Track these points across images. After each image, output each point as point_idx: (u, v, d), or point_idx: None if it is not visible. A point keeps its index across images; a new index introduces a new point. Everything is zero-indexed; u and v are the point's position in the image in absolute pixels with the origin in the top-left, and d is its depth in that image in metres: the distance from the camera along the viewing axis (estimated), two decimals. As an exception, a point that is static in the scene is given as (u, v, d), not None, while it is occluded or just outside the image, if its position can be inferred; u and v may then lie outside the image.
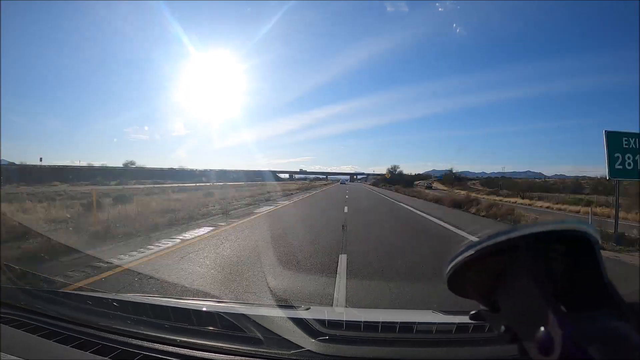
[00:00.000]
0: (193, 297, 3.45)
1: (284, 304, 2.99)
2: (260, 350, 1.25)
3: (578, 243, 0.50)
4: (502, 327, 0.55)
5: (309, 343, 1.27)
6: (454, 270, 0.56)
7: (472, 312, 0.63)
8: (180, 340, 1.29)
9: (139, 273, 4.77)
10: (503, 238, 0.50)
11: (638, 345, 0.42)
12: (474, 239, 0.55)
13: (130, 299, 1.70)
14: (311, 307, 1.84)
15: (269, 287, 4.37)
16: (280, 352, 1.24)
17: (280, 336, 1.31)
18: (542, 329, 0.46)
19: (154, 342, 1.30)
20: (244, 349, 1.25)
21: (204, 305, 1.71)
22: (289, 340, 1.28)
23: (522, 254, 0.51)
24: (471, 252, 0.53)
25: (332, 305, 3.80)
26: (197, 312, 1.50)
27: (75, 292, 1.87)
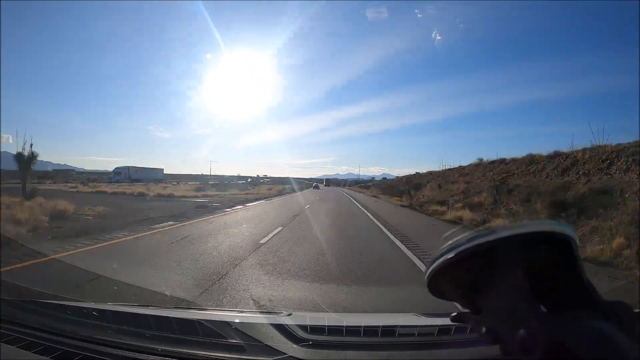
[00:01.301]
0: (174, 305, 3.37)
1: (266, 310, 2.95)
2: (242, 357, 1.24)
3: (557, 244, 0.51)
4: (484, 329, 0.56)
5: (291, 349, 1.26)
6: (434, 273, 0.56)
7: (454, 314, 0.63)
8: (162, 349, 1.26)
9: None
10: (482, 240, 0.51)
11: (621, 345, 0.43)
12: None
13: (110, 308, 1.65)
14: (293, 312, 1.83)
15: (250, 294, 4.31)
16: (262, 358, 1.22)
17: (262, 343, 1.29)
18: (523, 329, 0.47)
19: (135, 352, 1.27)
20: (227, 357, 1.23)
21: (186, 313, 1.67)
22: (272, 347, 1.27)
23: (501, 256, 0.52)
24: (451, 255, 0.53)
25: (314, 311, 3.78)
26: (179, 321, 1.47)
27: (54, 301, 1.79)
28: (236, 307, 3.84)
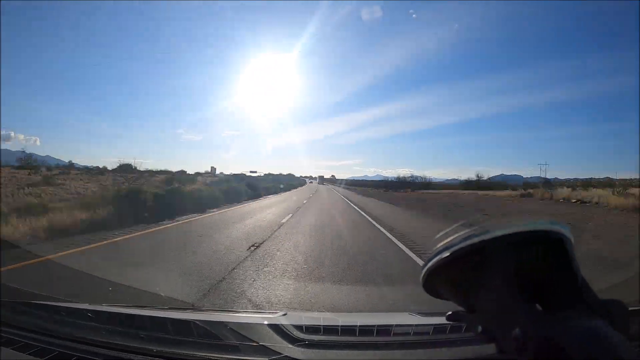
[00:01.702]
0: (169, 306, 3.36)
1: (261, 310, 2.95)
2: (238, 357, 1.23)
3: (552, 243, 0.51)
4: (479, 328, 0.56)
5: (287, 349, 1.26)
6: (430, 272, 0.56)
7: (449, 313, 0.63)
8: (157, 350, 1.25)
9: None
10: (477, 240, 0.50)
11: (615, 344, 0.43)
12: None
13: (104, 309, 1.64)
14: (288, 312, 1.82)
15: (245, 294, 4.30)
16: (258, 358, 1.22)
17: (257, 343, 1.29)
18: (518, 328, 0.47)
19: (129, 353, 1.26)
20: (222, 357, 1.23)
21: (181, 314, 1.66)
22: (267, 347, 1.27)
23: (496, 255, 0.52)
24: (446, 254, 0.53)
25: (309, 310, 3.78)
26: (173, 321, 1.46)
27: (48, 302, 1.78)
28: (232, 307, 3.83)
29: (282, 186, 45.53)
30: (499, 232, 0.50)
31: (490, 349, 0.55)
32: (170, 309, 2.12)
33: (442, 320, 1.36)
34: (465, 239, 0.51)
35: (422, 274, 0.58)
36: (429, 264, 0.56)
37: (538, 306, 0.52)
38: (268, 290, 4.45)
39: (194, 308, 3.21)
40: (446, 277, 0.57)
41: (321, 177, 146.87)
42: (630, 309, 0.51)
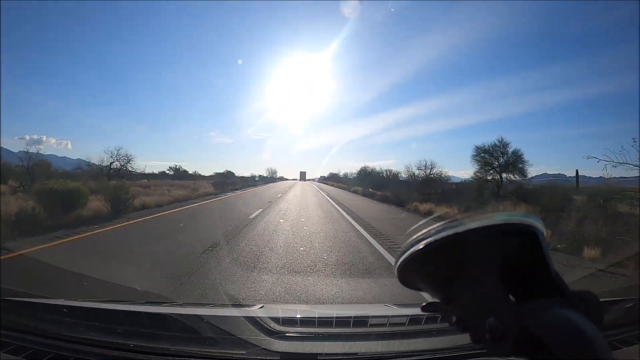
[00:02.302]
0: (146, 300, 3.28)
1: (238, 303, 2.93)
2: (215, 351, 1.22)
3: (524, 235, 0.52)
4: (454, 318, 0.57)
5: (264, 341, 1.25)
6: (404, 263, 0.56)
7: (424, 304, 0.64)
8: (134, 345, 1.23)
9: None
10: (451, 232, 0.51)
11: (588, 332, 0.44)
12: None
13: (80, 305, 1.59)
14: (265, 305, 1.82)
15: (223, 288, 4.26)
16: (235, 352, 1.21)
17: (235, 336, 1.28)
18: (493, 318, 0.48)
19: (106, 349, 1.23)
20: (199, 351, 1.21)
21: (157, 308, 1.63)
22: (244, 340, 1.26)
23: (470, 247, 0.52)
24: (420, 245, 0.53)
25: (285, 303, 3.79)
26: (150, 316, 1.44)
27: (23, 299, 1.71)
28: (209, 300, 3.79)
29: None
30: (472, 225, 0.50)
31: (465, 338, 0.56)
32: (147, 303, 2.08)
33: (417, 311, 1.38)
34: (440, 231, 0.51)
35: (397, 266, 0.58)
36: (404, 256, 0.56)
37: (512, 297, 0.53)
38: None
39: (170, 302, 3.15)
40: (421, 269, 0.58)
41: (303, 174, 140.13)
42: (601, 299, 0.53)
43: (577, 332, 0.44)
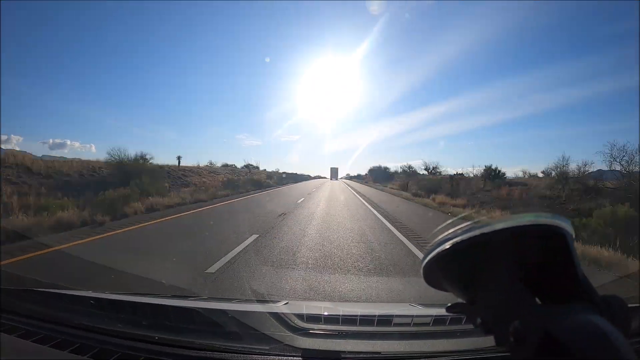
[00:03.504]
0: (171, 294, 3.40)
1: (263, 299, 2.97)
2: (239, 345, 1.24)
3: (552, 237, 0.51)
4: (478, 319, 0.56)
5: (287, 338, 1.27)
6: (430, 263, 0.56)
7: (449, 304, 0.64)
8: (159, 337, 1.27)
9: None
10: (478, 232, 0.50)
11: (614, 339, 0.43)
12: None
13: (107, 297, 1.66)
14: (289, 301, 1.84)
15: (249, 283, 4.34)
16: (259, 347, 1.23)
17: (259, 331, 1.30)
18: (518, 321, 0.47)
19: (131, 340, 1.27)
20: (223, 345, 1.24)
21: (183, 302, 1.68)
22: (268, 335, 1.28)
23: (497, 248, 0.52)
24: (446, 245, 0.53)
25: (311, 299, 3.82)
26: (176, 309, 1.48)
27: (50, 290, 1.80)
28: (235, 296, 3.87)
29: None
30: (500, 225, 0.50)
31: (489, 341, 0.55)
32: (173, 296, 2.15)
33: (442, 311, 1.37)
34: (467, 231, 0.51)
35: (423, 265, 0.58)
36: (430, 256, 0.56)
37: (538, 300, 0.52)
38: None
39: (195, 296, 3.25)
40: (447, 269, 0.58)
41: (334, 171, 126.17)
42: (629, 305, 0.51)
43: (603, 337, 0.43)
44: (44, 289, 1.79)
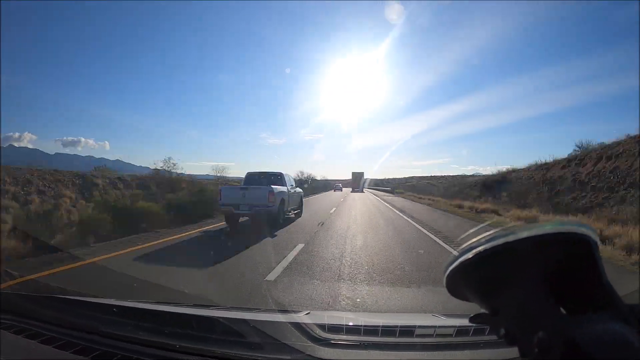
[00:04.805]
0: (193, 303, 3.44)
1: (284, 309, 2.98)
2: (260, 355, 1.25)
3: (577, 245, 0.50)
4: (502, 330, 0.55)
5: (309, 348, 1.27)
6: (453, 273, 0.56)
7: (472, 315, 0.63)
8: (180, 346, 1.28)
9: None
10: (501, 241, 0.50)
11: None
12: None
13: (129, 305, 1.70)
14: (311, 311, 1.84)
15: (269, 293, 4.36)
16: (280, 357, 1.23)
17: (280, 341, 1.30)
18: (542, 331, 0.46)
19: (153, 348, 1.29)
20: (244, 355, 1.24)
21: (204, 311, 1.70)
22: (289, 345, 1.28)
23: (521, 257, 0.51)
24: (469, 255, 0.52)
25: (331, 310, 3.79)
26: (197, 318, 1.50)
27: (74, 297, 1.86)
28: (256, 306, 3.90)
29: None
30: (524, 234, 0.49)
31: (513, 352, 0.54)
32: (194, 305, 2.19)
33: (465, 322, 1.34)
34: (490, 240, 0.51)
35: (445, 275, 0.58)
36: (452, 266, 0.55)
37: (562, 310, 0.51)
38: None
39: (217, 305, 3.29)
40: (470, 278, 0.57)
41: (357, 177, 71.20)
42: None
43: (628, 347, 0.42)
44: (66, 296, 1.85)
